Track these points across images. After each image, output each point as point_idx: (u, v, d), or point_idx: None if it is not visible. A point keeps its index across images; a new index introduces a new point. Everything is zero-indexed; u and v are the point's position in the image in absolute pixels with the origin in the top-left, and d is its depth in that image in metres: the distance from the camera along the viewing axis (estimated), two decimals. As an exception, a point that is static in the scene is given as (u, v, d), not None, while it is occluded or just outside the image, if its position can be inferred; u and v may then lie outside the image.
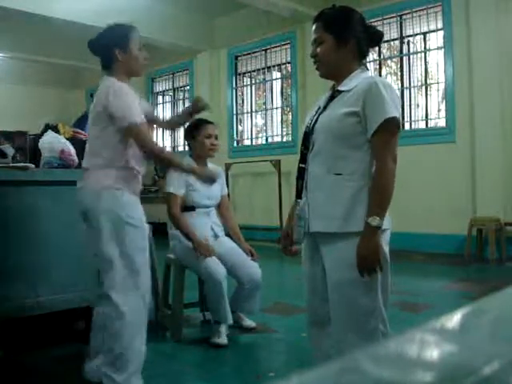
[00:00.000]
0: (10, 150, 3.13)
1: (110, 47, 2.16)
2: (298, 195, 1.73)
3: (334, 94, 1.70)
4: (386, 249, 1.66)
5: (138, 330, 2.10)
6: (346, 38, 1.67)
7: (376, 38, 1.77)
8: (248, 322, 3.14)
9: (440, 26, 6.19)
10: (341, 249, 1.62)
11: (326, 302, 1.73)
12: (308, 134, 1.71)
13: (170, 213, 2.99)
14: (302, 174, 1.72)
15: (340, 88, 1.68)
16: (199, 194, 3.03)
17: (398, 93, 6.50)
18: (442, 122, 6.29)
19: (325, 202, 1.64)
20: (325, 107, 1.71)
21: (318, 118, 1.70)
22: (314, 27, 1.72)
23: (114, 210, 2.08)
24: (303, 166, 1.71)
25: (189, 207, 3.02)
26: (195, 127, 3.11)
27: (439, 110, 6.61)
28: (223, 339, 2.83)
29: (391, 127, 1.59)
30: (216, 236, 3.08)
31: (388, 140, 1.60)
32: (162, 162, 2.22)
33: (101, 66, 2.26)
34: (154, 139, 2.14)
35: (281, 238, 1.89)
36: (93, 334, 2.24)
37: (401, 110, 1.67)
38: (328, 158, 1.64)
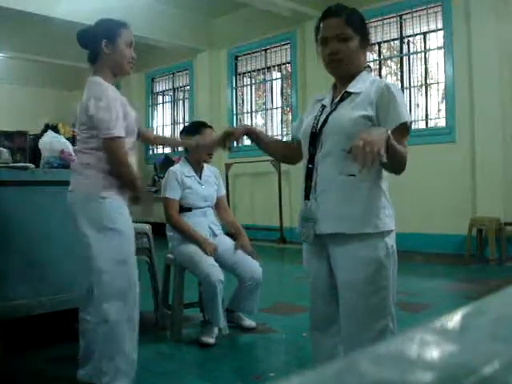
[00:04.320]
0: (4, 154, 3.14)
1: (98, 38, 2.16)
2: (306, 196, 1.71)
3: (343, 95, 1.68)
4: (395, 248, 1.67)
5: (124, 337, 2.07)
6: (367, 40, 1.69)
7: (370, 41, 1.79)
8: (248, 322, 3.14)
9: (440, 25, 6.20)
10: (354, 249, 1.61)
11: (331, 302, 1.73)
12: (315, 135, 1.69)
13: (168, 217, 3.01)
14: (309, 174, 1.70)
15: (349, 90, 1.67)
16: (195, 195, 3.05)
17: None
18: (442, 122, 6.29)
19: (338, 203, 1.62)
20: (333, 108, 1.69)
21: (326, 119, 1.67)
22: (331, 22, 1.65)
23: (98, 218, 2.09)
24: (311, 166, 1.69)
25: (185, 208, 3.03)
26: (194, 130, 3.12)
27: (439, 110, 6.61)
28: (211, 338, 2.84)
29: (403, 131, 1.59)
30: (214, 235, 3.08)
31: (401, 141, 1.57)
32: (124, 184, 2.16)
33: (87, 60, 2.24)
34: (128, 157, 2.19)
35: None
36: (81, 341, 2.27)
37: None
38: (340, 159, 1.62)
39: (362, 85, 1.66)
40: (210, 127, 3.15)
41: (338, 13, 1.66)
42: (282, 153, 1.96)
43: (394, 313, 1.67)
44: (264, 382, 2.30)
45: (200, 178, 3.11)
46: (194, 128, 3.15)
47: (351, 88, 1.67)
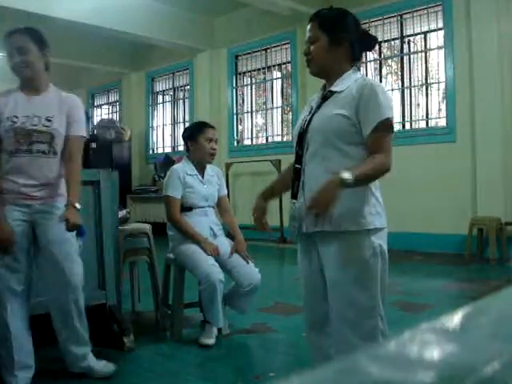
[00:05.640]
0: None
1: None
2: (294, 196, 1.73)
3: (327, 94, 1.70)
4: (385, 247, 1.67)
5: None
6: (340, 39, 1.69)
7: (369, 43, 1.79)
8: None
9: (440, 25, 6.19)
10: (340, 248, 1.63)
11: (324, 300, 1.73)
12: (302, 135, 1.71)
13: (170, 216, 3.00)
14: (297, 174, 1.72)
15: (332, 89, 1.69)
16: (196, 194, 3.03)
17: (399, 92, 6.43)
18: (442, 122, 6.28)
19: None
20: (318, 107, 1.71)
21: (311, 119, 1.70)
22: (309, 26, 1.73)
23: None
24: (299, 166, 1.71)
25: (186, 208, 3.02)
26: (196, 129, 3.10)
27: (440, 110, 6.61)
28: (210, 339, 2.83)
29: (386, 128, 1.60)
30: (215, 235, 3.07)
31: (383, 139, 1.61)
32: None
33: None
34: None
35: (255, 210, 1.88)
36: None
37: (393, 110, 1.68)
38: (325, 158, 1.64)
39: (345, 83, 1.68)
40: (212, 127, 3.15)
41: (314, 17, 1.73)
42: None
43: (384, 313, 1.67)
44: (264, 382, 2.30)
45: (202, 177, 3.09)
46: (196, 127, 3.14)
47: (334, 87, 1.69)
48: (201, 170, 3.10)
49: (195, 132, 3.08)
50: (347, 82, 1.67)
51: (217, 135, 3.13)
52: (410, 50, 6.70)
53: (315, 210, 1.49)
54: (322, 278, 1.72)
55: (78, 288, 2.30)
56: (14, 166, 2.20)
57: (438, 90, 6.43)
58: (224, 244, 3.05)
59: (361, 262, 1.61)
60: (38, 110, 2.23)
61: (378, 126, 1.57)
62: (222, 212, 3.24)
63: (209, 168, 3.15)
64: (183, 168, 3.06)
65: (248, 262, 2.96)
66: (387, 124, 1.60)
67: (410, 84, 6.63)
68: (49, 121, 2.22)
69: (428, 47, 6.49)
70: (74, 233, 2.24)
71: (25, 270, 2.23)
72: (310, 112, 1.74)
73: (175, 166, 3.12)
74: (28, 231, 2.23)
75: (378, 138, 1.59)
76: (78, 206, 2.18)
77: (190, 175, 3.04)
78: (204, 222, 3.04)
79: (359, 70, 1.79)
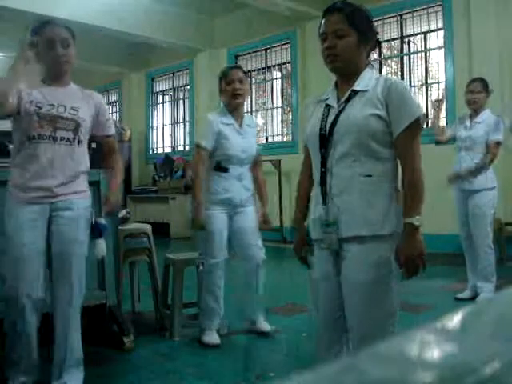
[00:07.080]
0: None
1: None
2: (323, 201, 1.66)
3: (350, 94, 1.64)
4: None
5: (13, 344, 2.17)
6: (368, 38, 1.66)
7: (377, 41, 1.77)
8: (264, 326, 3.05)
9: (440, 25, 6.20)
10: (370, 250, 1.60)
11: (339, 304, 1.71)
12: (324, 136, 1.64)
13: (193, 165, 2.94)
14: (323, 178, 1.65)
15: (356, 88, 1.64)
16: (233, 146, 2.83)
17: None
18: (442, 122, 6.28)
19: (359, 205, 1.59)
20: (343, 108, 1.64)
21: (335, 119, 1.63)
22: (330, 18, 1.64)
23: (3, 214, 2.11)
24: (324, 169, 1.64)
25: (222, 168, 2.86)
26: (220, 78, 2.95)
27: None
28: (214, 338, 2.82)
29: (417, 128, 1.59)
30: (242, 206, 2.95)
31: (415, 140, 1.60)
32: None
33: None
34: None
35: (298, 244, 1.85)
36: None
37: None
38: (357, 159, 1.60)
39: (367, 82, 1.64)
40: (236, 67, 3.10)
41: (338, 9, 1.64)
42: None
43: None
44: (264, 382, 2.30)
45: (240, 126, 2.90)
46: (220, 76, 2.95)
47: (357, 86, 1.64)
48: (238, 118, 2.91)
49: (220, 80, 2.93)
50: (368, 81, 1.64)
51: (241, 74, 2.91)
52: (409, 50, 6.70)
53: (417, 273, 1.62)
54: (339, 281, 1.69)
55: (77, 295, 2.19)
56: (34, 153, 2.04)
57: (438, 90, 6.43)
58: (248, 217, 2.97)
59: (388, 264, 1.61)
60: (64, 100, 2.18)
61: (409, 125, 1.56)
62: (252, 166, 3.03)
63: (247, 118, 3.01)
64: (218, 117, 2.87)
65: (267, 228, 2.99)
66: (418, 123, 1.58)
67: (410, 84, 6.62)
68: (75, 110, 2.17)
69: (428, 47, 6.49)
70: (88, 235, 2.18)
71: (41, 274, 2.11)
72: (328, 112, 1.67)
73: (210, 116, 2.94)
74: (44, 231, 2.09)
75: (408, 139, 1.58)
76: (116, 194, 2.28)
77: (226, 124, 2.86)
78: (237, 187, 2.89)
79: (373, 66, 1.77)
